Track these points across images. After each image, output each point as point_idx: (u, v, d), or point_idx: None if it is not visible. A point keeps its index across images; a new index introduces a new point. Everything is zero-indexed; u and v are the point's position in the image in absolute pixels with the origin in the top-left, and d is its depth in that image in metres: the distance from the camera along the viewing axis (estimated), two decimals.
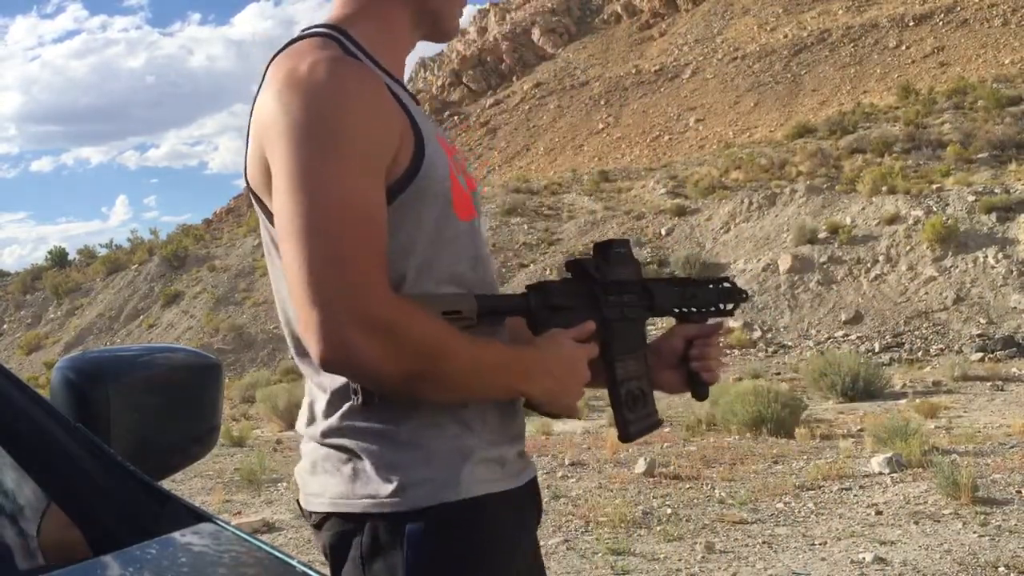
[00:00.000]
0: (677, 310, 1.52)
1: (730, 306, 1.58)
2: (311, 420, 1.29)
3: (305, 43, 1.24)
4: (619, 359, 1.40)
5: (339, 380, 1.23)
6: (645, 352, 1.46)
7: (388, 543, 1.19)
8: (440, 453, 1.22)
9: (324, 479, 1.25)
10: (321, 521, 1.25)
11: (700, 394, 1.55)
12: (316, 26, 1.31)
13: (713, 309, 1.56)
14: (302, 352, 1.27)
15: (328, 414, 1.24)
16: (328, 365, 1.12)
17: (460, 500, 1.21)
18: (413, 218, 1.23)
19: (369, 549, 1.20)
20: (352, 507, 1.21)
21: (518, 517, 1.33)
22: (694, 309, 1.53)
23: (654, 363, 1.50)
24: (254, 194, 1.27)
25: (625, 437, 1.43)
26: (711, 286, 1.57)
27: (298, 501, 1.31)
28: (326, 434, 1.25)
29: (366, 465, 1.21)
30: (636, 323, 1.43)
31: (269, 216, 1.24)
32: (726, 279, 1.61)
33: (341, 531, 1.23)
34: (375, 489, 1.20)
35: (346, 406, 1.22)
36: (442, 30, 1.41)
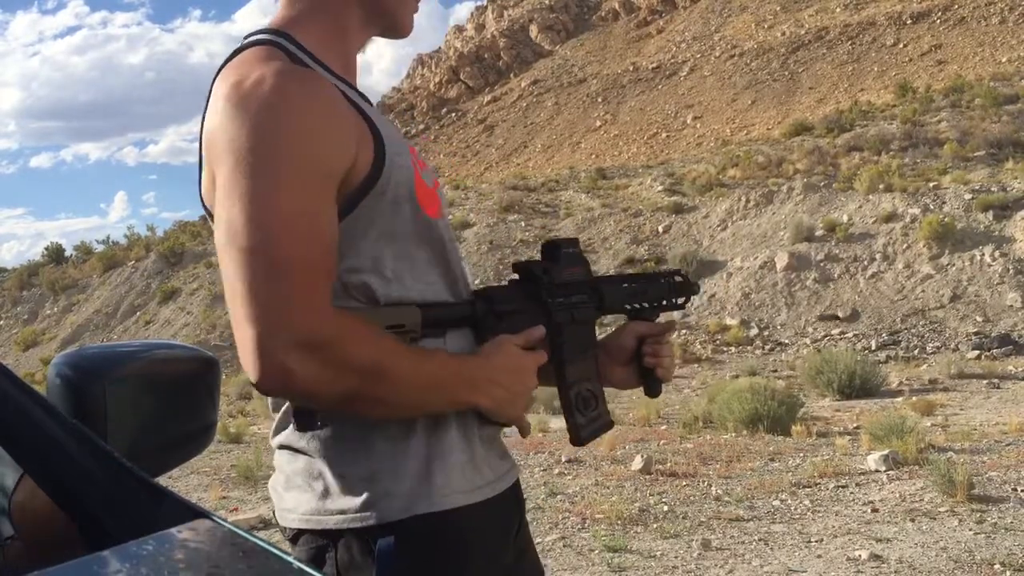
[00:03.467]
0: (628, 307, 1.50)
1: (681, 300, 1.56)
2: (280, 429, 1.27)
3: (250, 53, 1.20)
4: (569, 362, 1.38)
5: None
6: (595, 353, 1.44)
7: (361, 559, 1.18)
8: (412, 465, 1.20)
9: (296, 495, 1.24)
10: (295, 536, 1.24)
11: (654, 391, 1.53)
12: (261, 31, 1.27)
13: (665, 303, 1.54)
14: None
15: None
16: (263, 386, 1.08)
17: (432, 512, 1.19)
18: (382, 219, 1.21)
19: (344, 564, 1.19)
20: (324, 523, 1.20)
21: (497, 526, 1.30)
22: (645, 305, 1.51)
23: (604, 360, 1.48)
24: (207, 210, 1.24)
25: (577, 441, 1.42)
26: (662, 280, 1.55)
27: (274, 513, 1.30)
28: (295, 445, 1.23)
29: (336, 480, 1.20)
30: (586, 324, 1.41)
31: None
32: (677, 272, 1.58)
33: (315, 547, 1.21)
34: (346, 504, 1.19)
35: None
36: (396, 27, 1.36)
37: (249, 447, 10.11)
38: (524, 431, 1.34)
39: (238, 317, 1.08)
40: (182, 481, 8.05)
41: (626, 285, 1.50)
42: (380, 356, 1.13)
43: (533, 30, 74.57)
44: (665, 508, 6.20)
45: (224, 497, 7.48)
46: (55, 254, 41.15)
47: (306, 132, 1.13)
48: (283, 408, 1.27)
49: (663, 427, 10.19)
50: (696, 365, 17.65)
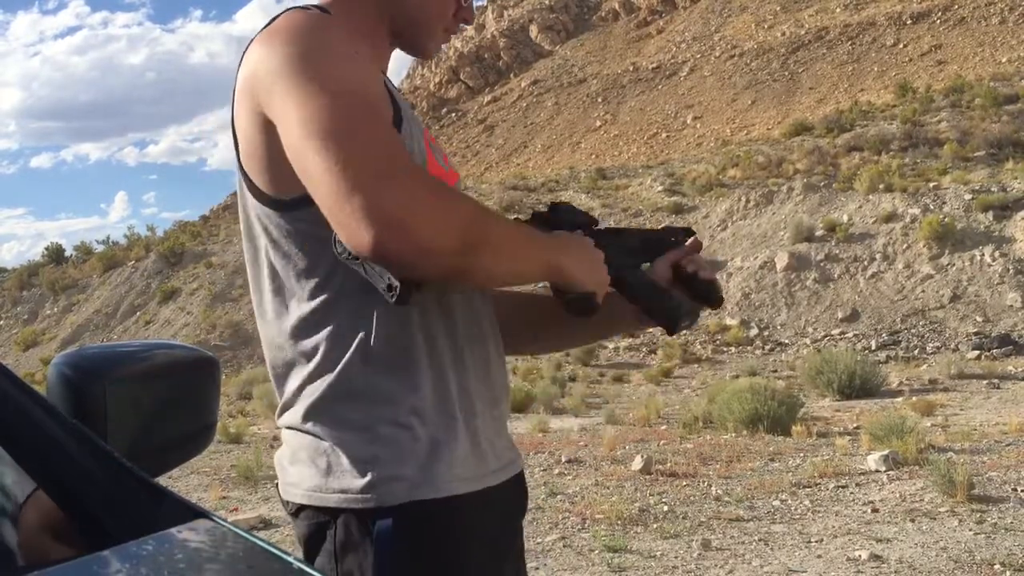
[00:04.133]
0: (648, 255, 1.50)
1: (683, 236, 1.54)
2: (286, 407, 1.27)
3: (286, 14, 1.25)
4: (630, 272, 1.39)
5: (312, 363, 1.22)
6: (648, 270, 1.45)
7: (359, 538, 1.19)
8: (416, 449, 1.20)
9: (301, 469, 1.24)
10: (297, 511, 1.25)
11: (718, 300, 1.52)
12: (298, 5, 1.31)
13: (673, 240, 1.53)
14: (292, 344, 1.25)
15: (304, 400, 1.23)
16: (384, 246, 1.05)
17: (434, 499, 1.20)
18: None
19: (342, 543, 1.20)
20: (326, 500, 1.21)
21: (498, 515, 1.30)
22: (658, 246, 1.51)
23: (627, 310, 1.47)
24: (242, 170, 1.24)
25: (674, 328, 1.41)
26: (672, 239, 1.53)
27: (277, 487, 1.31)
28: (304, 418, 1.23)
29: (341, 458, 1.20)
30: (630, 253, 1.42)
31: (255, 192, 1.23)
32: (688, 229, 1.56)
33: (316, 523, 1.22)
34: (348, 483, 1.19)
35: (322, 392, 1.21)
36: (416, 46, 1.39)
37: (249, 447, 10.11)
38: (596, 299, 1.31)
39: (338, 194, 1.06)
40: (182, 481, 8.05)
41: (631, 238, 1.50)
42: (480, 207, 1.15)
43: (533, 30, 74.60)
44: (665, 508, 6.20)
45: (224, 497, 7.48)
46: (55, 254, 41.16)
47: (346, 50, 1.18)
48: (287, 389, 1.27)
49: (663, 427, 10.19)
50: (696, 365, 17.66)
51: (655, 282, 1.41)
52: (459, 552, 1.22)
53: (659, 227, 1.57)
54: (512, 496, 1.35)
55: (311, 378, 1.23)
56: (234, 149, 1.26)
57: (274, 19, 1.25)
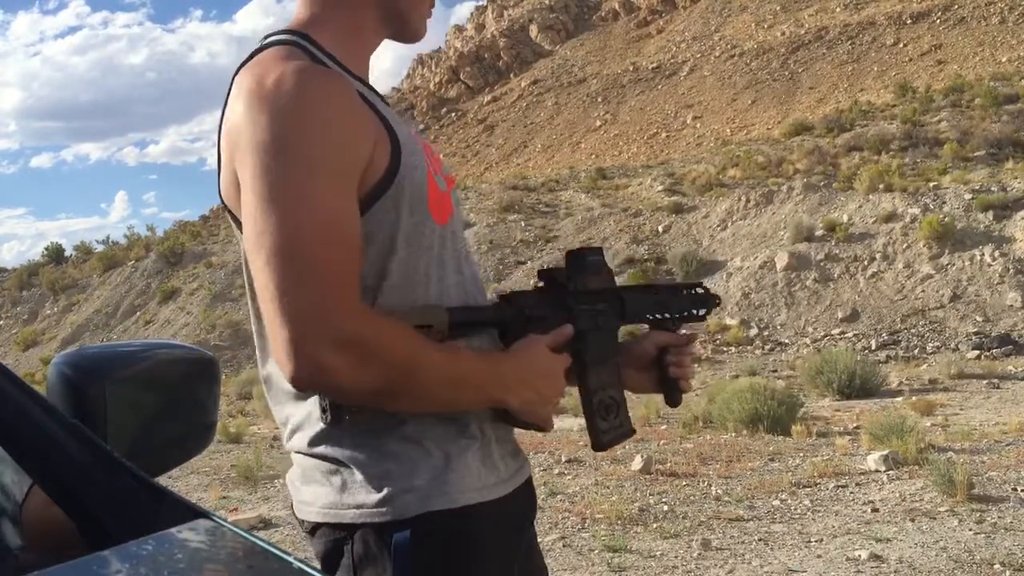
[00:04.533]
0: (650, 317, 1.52)
1: (703, 312, 1.58)
2: (294, 431, 1.28)
3: (271, 52, 1.21)
4: (592, 368, 1.39)
5: None
6: (617, 360, 1.45)
7: (377, 552, 1.20)
8: (428, 461, 1.22)
9: (315, 488, 1.26)
10: (313, 529, 1.26)
11: (675, 400, 1.54)
12: (279, 32, 1.28)
13: (686, 315, 1.56)
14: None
15: (314, 424, 1.24)
16: (299, 383, 1.11)
17: (448, 509, 1.21)
18: (392, 223, 1.22)
19: (360, 558, 1.21)
20: (342, 517, 1.22)
21: (511, 523, 1.32)
22: (667, 315, 1.53)
23: (624, 364, 1.49)
24: (227, 208, 1.26)
25: (598, 446, 1.43)
26: (684, 292, 1.57)
27: (292, 506, 1.32)
28: (313, 443, 1.25)
29: (354, 475, 1.22)
30: (609, 332, 1.43)
31: (236, 222, 1.24)
32: (699, 284, 1.60)
33: (333, 539, 1.23)
34: (363, 499, 1.21)
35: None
36: (410, 31, 1.38)
37: (249, 447, 10.11)
38: (547, 429, 1.35)
39: (273, 317, 1.10)
40: (182, 481, 8.05)
41: (649, 295, 1.52)
42: (412, 352, 1.15)
43: (533, 30, 74.57)
44: (665, 508, 6.20)
45: (224, 497, 7.48)
46: (55, 254, 41.15)
47: (329, 130, 1.14)
48: (294, 413, 1.28)
49: (663, 427, 10.19)
50: (696, 365, 17.64)
51: (605, 395, 1.43)
52: (475, 561, 1.23)
53: (681, 282, 1.60)
54: (523, 502, 1.37)
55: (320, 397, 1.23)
56: (217, 170, 1.26)
57: (259, 51, 1.23)
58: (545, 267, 1.44)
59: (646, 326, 1.54)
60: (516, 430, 1.38)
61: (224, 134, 1.21)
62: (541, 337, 1.30)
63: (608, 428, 1.42)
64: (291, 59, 1.18)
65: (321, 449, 1.24)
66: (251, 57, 1.24)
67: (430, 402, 1.20)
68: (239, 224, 1.23)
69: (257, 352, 1.33)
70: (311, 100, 1.14)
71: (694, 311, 1.57)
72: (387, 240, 1.22)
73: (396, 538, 1.19)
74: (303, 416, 1.26)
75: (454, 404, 1.23)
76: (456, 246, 1.33)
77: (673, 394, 1.53)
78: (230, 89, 1.22)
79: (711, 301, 1.59)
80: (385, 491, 1.20)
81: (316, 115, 1.13)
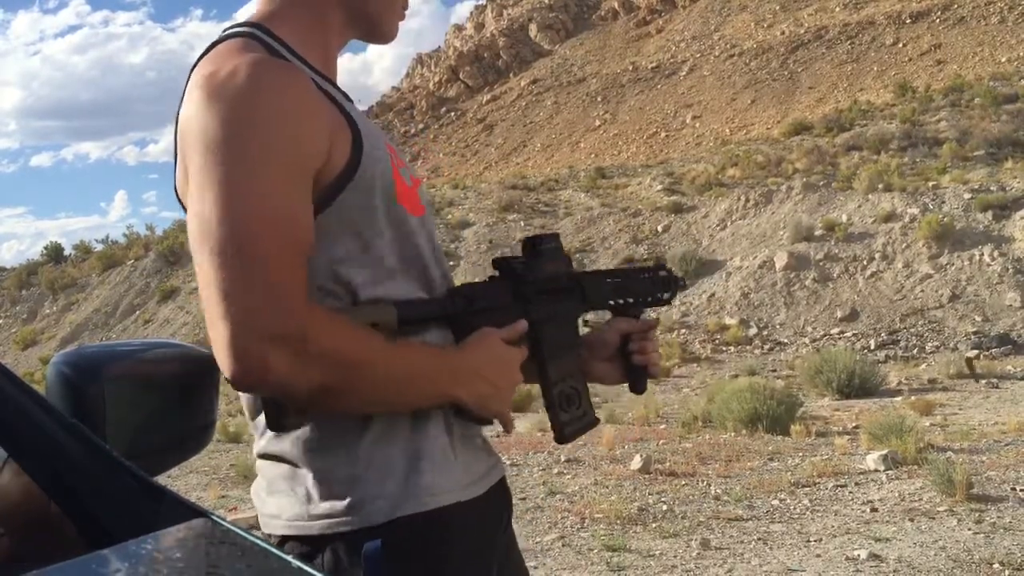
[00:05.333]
0: (612, 303, 1.48)
1: (667, 295, 1.55)
2: (261, 435, 1.25)
3: (226, 45, 1.19)
4: (551, 359, 1.36)
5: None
6: (579, 350, 1.43)
7: (349, 563, 1.16)
8: (395, 466, 1.19)
9: (279, 500, 1.22)
10: (280, 542, 1.22)
11: (640, 387, 1.51)
12: (238, 25, 1.26)
13: (650, 299, 1.53)
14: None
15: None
16: (238, 381, 1.07)
17: (419, 513, 1.18)
18: (357, 216, 1.19)
19: (331, 569, 1.17)
20: (310, 529, 1.18)
21: (486, 523, 1.29)
22: (630, 300, 1.49)
23: (586, 355, 1.46)
24: (181, 203, 1.23)
25: (560, 439, 1.40)
26: (645, 275, 1.53)
27: (257, 520, 1.28)
28: (275, 451, 1.22)
29: (319, 484, 1.18)
30: (568, 321, 1.40)
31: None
32: (662, 267, 1.56)
33: (300, 554, 1.19)
34: (330, 508, 1.17)
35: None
36: (378, 33, 1.36)
37: (248, 446, 10.11)
38: (507, 427, 1.32)
39: (212, 314, 1.06)
40: (181, 480, 8.05)
41: (609, 280, 1.48)
42: (356, 348, 1.11)
43: (532, 29, 74.56)
44: (664, 507, 6.20)
45: (223, 496, 7.48)
46: (54, 253, 41.12)
47: (280, 122, 1.11)
48: (259, 424, 1.24)
49: (662, 427, 10.19)
50: (695, 365, 17.65)
51: (566, 386, 1.40)
52: (447, 564, 1.21)
53: (643, 265, 1.56)
54: (497, 502, 1.34)
55: None
56: (173, 165, 1.24)
57: (216, 44, 1.21)
58: (499, 256, 1.40)
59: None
60: (486, 430, 1.35)
61: (178, 128, 1.18)
62: (494, 330, 1.26)
63: (570, 419, 1.39)
64: (247, 51, 1.16)
65: (286, 453, 1.21)
66: (208, 50, 1.21)
67: (379, 400, 1.16)
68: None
69: None
70: (265, 91, 1.11)
71: (658, 295, 1.53)
72: (351, 232, 1.19)
73: (367, 547, 1.15)
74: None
75: (404, 401, 1.18)
76: (433, 242, 1.30)
77: (639, 382, 1.50)
78: (187, 84, 1.19)
79: (674, 284, 1.55)
80: (350, 498, 1.17)
81: (269, 107, 1.11)
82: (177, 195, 1.24)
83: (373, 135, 1.23)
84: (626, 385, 1.52)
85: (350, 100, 1.29)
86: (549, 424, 1.42)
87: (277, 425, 1.13)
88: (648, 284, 1.53)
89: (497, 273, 1.35)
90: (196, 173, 1.10)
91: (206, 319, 1.08)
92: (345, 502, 1.17)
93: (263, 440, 1.24)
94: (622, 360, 1.49)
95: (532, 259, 1.35)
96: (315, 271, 1.16)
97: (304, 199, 1.13)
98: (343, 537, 1.17)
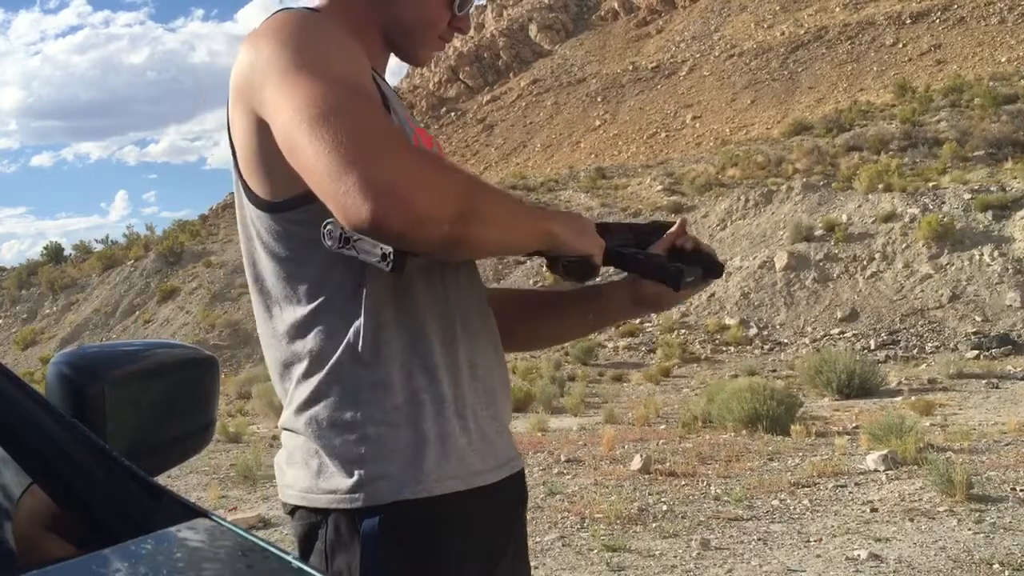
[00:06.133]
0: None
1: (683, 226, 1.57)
2: (285, 407, 1.29)
3: (274, 15, 1.27)
4: (629, 250, 1.42)
5: (302, 365, 1.23)
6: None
7: (348, 538, 1.20)
8: (403, 448, 1.20)
9: (295, 471, 1.26)
10: (292, 511, 1.28)
11: (718, 268, 1.50)
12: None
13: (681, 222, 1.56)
14: (286, 346, 1.26)
15: (296, 401, 1.24)
16: (382, 218, 1.04)
17: (421, 498, 1.19)
18: None
19: (332, 543, 1.21)
20: (316, 501, 1.23)
21: (492, 515, 1.29)
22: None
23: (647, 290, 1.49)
24: (239, 173, 1.26)
25: (677, 283, 1.39)
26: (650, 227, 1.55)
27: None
28: (297, 419, 1.25)
29: (330, 459, 1.21)
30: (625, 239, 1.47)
31: (250, 195, 1.24)
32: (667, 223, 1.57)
33: (309, 523, 1.24)
34: (337, 484, 1.21)
35: (312, 393, 1.22)
36: (413, 60, 1.42)
37: (248, 446, 10.11)
38: (595, 266, 1.32)
39: (336, 171, 1.05)
40: (181, 480, 8.05)
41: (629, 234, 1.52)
42: (473, 177, 1.16)
43: (532, 29, 74.57)
44: (664, 508, 6.20)
45: (223, 496, 7.48)
46: (54, 253, 41.13)
47: (340, 41, 1.20)
48: (283, 389, 1.28)
49: (662, 427, 10.19)
50: (695, 365, 17.66)
51: (652, 254, 1.43)
52: (447, 551, 1.22)
53: (646, 221, 1.58)
54: (508, 495, 1.34)
55: (302, 379, 1.24)
56: (231, 154, 1.27)
57: (264, 21, 1.26)
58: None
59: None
60: (511, 428, 1.36)
61: (232, 86, 1.23)
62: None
63: (676, 268, 1.39)
64: (294, 11, 1.24)
65: (302, 427, 1.24)
66: None
67: (497, 227, 1.17)
68: (245, 186, 1.24)
69: (261, 340, 1.32)
70: (318, 24, 1.20)
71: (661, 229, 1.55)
72: None
73: (365, 525, 1.19)
74: (289, 389, 1.26)
75: (515, 230, 1.21)
76: None
77: (712, 266, 1.48)
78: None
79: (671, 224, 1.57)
80: (357, 476, 1.20)
81: (323, 29, 1.19)
82: (240, 176, 1.26)
83: (402, 117, 1.29)
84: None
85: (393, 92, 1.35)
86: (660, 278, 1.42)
87: (400, 266, 1.12)
88: (655, 225, 1.55)
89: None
90: (272, 88, 1.14)
91: (328, 185, 1.07)
92: (351, 480, 1.20)
93: (285, 413, 1.28)
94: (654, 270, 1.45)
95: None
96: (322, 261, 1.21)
97: (368, 76, 1.21)
98: (346, 513, 1.20)
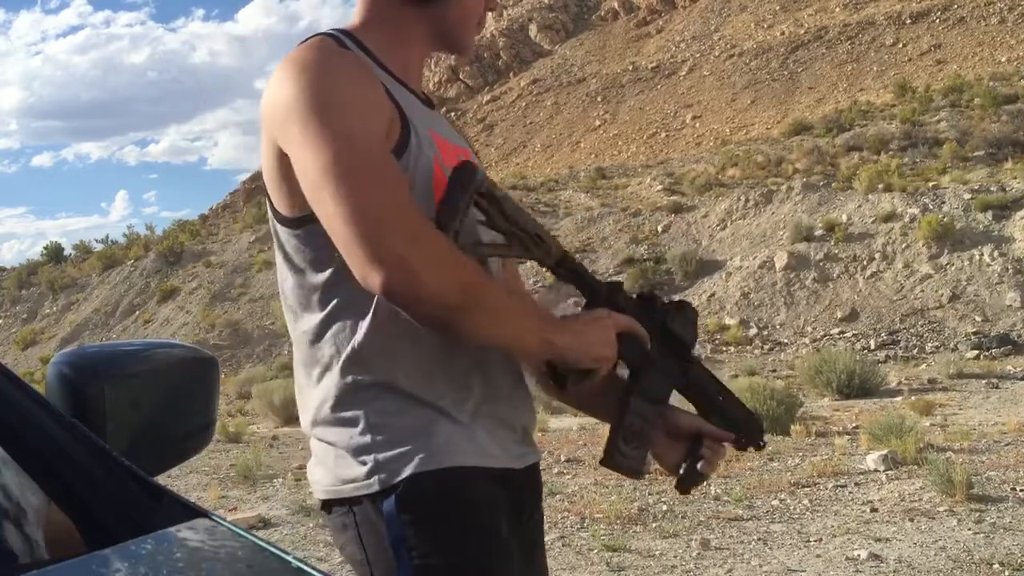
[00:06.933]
0: (696, 402, 1.49)
1: (742, 440, 1.51)
2: (304, 411, 1.37)
3: (305, 42, 1.33)
4: (639, 396, 1.40)
5: (318, 367, 1.31)
6: (660, 408, 1.44)
7: (376, 521, 1.27)
8: (410, 431, 1.27)
9: (319, 470, 1.34)
10: (324, 506, 1.35)
11: (687, 486, 1.48)
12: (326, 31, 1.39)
13: (740, 442, 1.50)
14: (304, 352, 1.34)
15: (315, 406, 1.32)
16: (392, 289, 1.14)
17: (432, 470, 1.26)
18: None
19: (363, 529, 1.29)
20: (341, 493, 1.30)
21: (502, 500, 1.33)
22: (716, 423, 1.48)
23: (658, 426, 1.47)
24: (266, 192, 1.34)
25: (607, 460, 1.41)
26: (736, 417, 1.49)
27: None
28: (314, 426, 1.33)
29: (344, 452, 1.29)
30: (669, 381, 1.43)
31: (273, 210, 1.33)
32: (753, 416, 1.52)
33: (341, 514, 1.32)
34: (354, 473, 1.28)
35: (327, 395, 1.30)
36: (457, 47, 1.47)
37: (248, 446, 10.11)
38: (598, 374, 1.33)
39: (353, 237, 1.15)
40: (181, 480, 8.05)
41: (715, 397, 1.48)
42: (481, 271, 1.26)
43: (532, 29, 74.55)
44: (664, 507, 6.20)
45: (223, 496, 7.48)
46: (54, 253, 41.10)
47: (351, 81, 1.25)
48: (310, 394, 1.34)
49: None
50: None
51: (640, 425, 1.41)
52: (460, 523, 1.27)
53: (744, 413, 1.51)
54: (521, 485, 1.39)
55: (318, 382, 1.32)
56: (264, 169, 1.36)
57: (297, 47, 1.33)
58: (655, 293, 1.46)
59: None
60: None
61: (262, 115, 1.30)
62: (610, 312, 1.34)
63: (626, 453, 1.40)
64: (320, 43, 1.30)
65: (320, 431, 1.32)
66: None
67: (496, 325, 1.23)
68: (272, 207, 1.33)
69: (294, 348, 1.39)
70: (329, 60, 1.26)
71: (739, 438, 1.50)
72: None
73: (385, 505, 1.26)
74: (307, 399, 1.34)
75: (514, 332, 1.26)
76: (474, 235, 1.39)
77: (690, 483, 1.47)
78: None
79: (753, 439, 1.51)
80: (371, 463, 1.26)
81: (335, 72, 1.25)
82: (267, 191, 1.35)
83: (426, 134, 1.33)
84: (662, 468, 1.51)
85: (431, 105, 1.41)
86: (605, 443, 1.43)
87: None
88: (733, 424, 1.50)
89: (640, 299, 1.42)
90: (295, 130, 1.22)
91: (347, 248, 1.16)
92: (365, 468, 1.27)
93: (305, 416, 1.36)
94: (683, 452, 1.47)
95: (679, 315, 1.42)
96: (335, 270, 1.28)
97: (383, 131, 1.25)
98: (369, 498, 1.27)
